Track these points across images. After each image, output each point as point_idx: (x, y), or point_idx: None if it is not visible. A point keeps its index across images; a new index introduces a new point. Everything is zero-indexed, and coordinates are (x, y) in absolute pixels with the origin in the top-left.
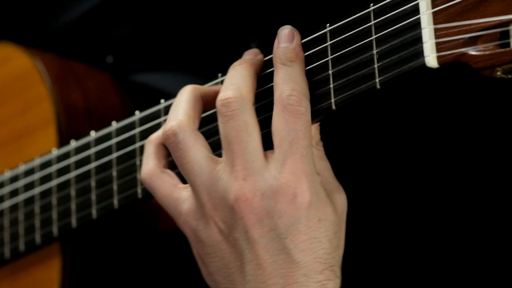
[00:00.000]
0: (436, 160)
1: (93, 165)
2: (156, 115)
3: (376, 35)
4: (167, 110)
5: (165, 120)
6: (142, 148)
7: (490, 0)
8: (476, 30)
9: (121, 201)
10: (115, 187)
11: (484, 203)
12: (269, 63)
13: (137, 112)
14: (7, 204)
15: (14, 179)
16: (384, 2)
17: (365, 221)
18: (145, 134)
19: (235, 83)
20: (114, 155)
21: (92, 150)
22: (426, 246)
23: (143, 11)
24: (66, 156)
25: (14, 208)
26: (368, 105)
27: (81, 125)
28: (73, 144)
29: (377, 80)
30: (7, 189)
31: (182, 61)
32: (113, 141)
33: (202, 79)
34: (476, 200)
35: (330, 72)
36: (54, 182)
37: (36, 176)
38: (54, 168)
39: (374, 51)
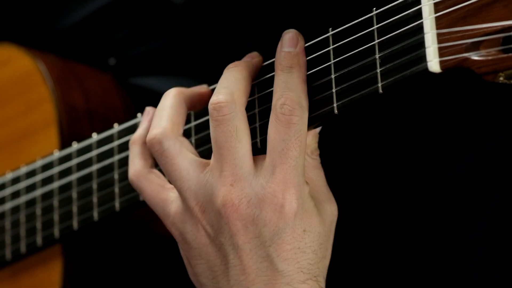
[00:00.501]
0: (436, 166)
1: (94, 167)
2: None
3: (379, 40)
4: None
5: None
6: None
7: (493, 5)
8: (478, 35)
9: (123, 204)
10: (116, 189)
11: (482, 208)
12: (273, 66)
13: (139, 115)
14: (8, 205)
15: (15, 180)
16: (387, 6)
17: (363, 228)
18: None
19: (228, 87)
20: (116, 157)
21: (94, 152)
22: (425, 253)
23: (146, 14)
24: (67, 158)
25: (15, 209)
26: (370, 110)
27: (82, 126)
28: (75, 146)
29: (379, 84)
30: (8, 191)
31: (184, 64)
32: (115, 143)
33: (203, 83)
34: (474, 206)
35: (333, 76)
36: (55, 184)
37: (38, 177)
38: (55, 170)
39: (377, 56)
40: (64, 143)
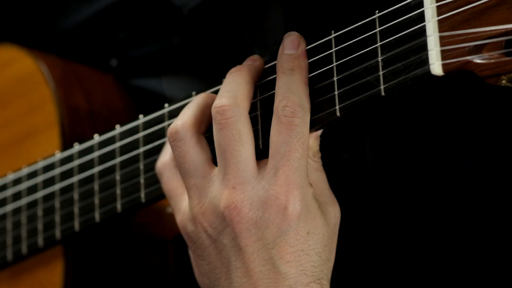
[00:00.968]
0: (442, 165)
1: (96, 169)
2: (160, 120)
3: (381, 42)
4: (171, 114)
5: (169, 125)
6: (145, 152)
7: (496, 8)
8: (481, 38)
9: (124, 205)
10: (118, 191)
11: (487, 207)
12: (274, 69)
13: (141, 116)
14: (10, 206)
15: (17, 181)
16: (390, 9)
17: (368, 230)
18: (149, 139)
19: (231, 90)
20: (118, 159)
21: (96, 154)
22: (431, 253)
23: (148, 16)
24: (69, 159)
25: (17, 210)
26: (373, 112)
27: (84, 128)
28: (77, 147)
29: (381, 87)
30: (10, 192)
31: (187, 66)
32: (117, 145)
33: (206, 84)
34: (480, 205)
35: (335, 78)
36: (57, 186)
37: (39, 179)
38: (57, 171)
39: (379, 58)
40: (66, 145)
